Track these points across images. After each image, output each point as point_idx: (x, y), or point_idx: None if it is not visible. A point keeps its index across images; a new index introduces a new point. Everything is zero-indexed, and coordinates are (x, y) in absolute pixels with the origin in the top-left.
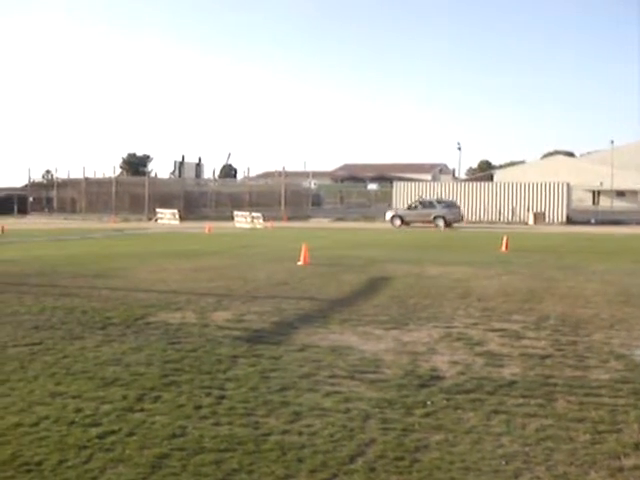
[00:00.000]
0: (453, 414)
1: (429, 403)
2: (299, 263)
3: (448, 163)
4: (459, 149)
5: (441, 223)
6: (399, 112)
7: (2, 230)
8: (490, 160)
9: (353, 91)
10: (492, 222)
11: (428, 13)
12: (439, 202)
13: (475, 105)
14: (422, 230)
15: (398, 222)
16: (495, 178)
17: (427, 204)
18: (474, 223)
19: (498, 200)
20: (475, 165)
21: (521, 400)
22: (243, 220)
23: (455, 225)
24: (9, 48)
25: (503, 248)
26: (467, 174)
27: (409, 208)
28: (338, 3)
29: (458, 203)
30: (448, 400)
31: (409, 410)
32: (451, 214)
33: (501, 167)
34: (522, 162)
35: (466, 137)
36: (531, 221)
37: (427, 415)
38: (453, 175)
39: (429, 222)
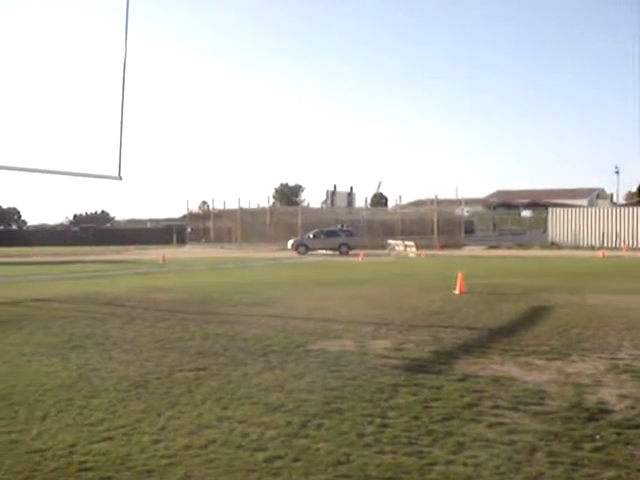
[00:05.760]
0: (624, 450)
1: (598, 437)
2: (455, 292)
3: (606, 188)
4: (617, 173)
5: (344, 250)
6: (553, 136)
7: (163, 259)
8: None
9: (506, 117)
10: None
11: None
12: (342, 231)
13: (633, 127)
14: (579, 258)
15: (303, 249)
16: None
17: (331, 233)
18: (635, 250)
19: None
20: (634, 189)
21: None
22: (396, 248)
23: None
24: (166, 86)
25: None
26: (626, 199)
27: (314, 237)
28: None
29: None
30: (618, 435)
31: (577, 444)
32: (353, 242)
33: None
34: None
35: (624, 160)
36: None
37: (597, 450)
38: (611, 200)
39: (333, 249)
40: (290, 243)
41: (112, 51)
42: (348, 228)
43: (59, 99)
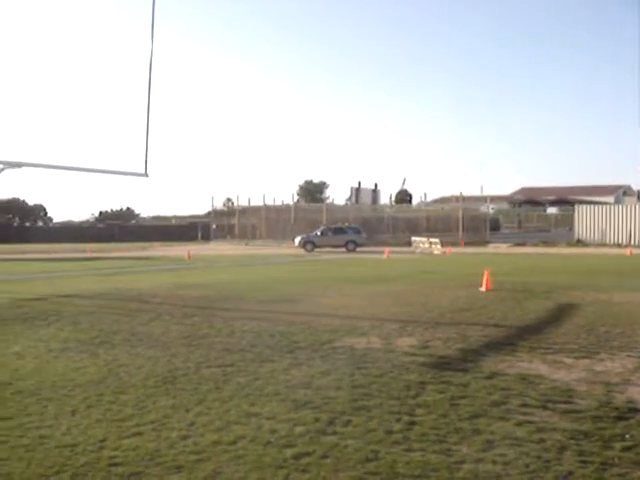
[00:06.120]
0: None
1: (628, 436)
2: (481, 289)
3: (632, 184)
4: None
5: (352, 247)
6: (579, 133)
7: (188, 256)
8: None
9: (532, 115)
10: None
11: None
12: (350, 228)
13: None
14: (606, 255)
15: (310, 246)
16: None
17: (338, 230)
18: None
19: None
20: None
21: None
22: (421, 245)
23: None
24: (194, 84)
25: None
26: None
27: (321, 234)
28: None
29: None
30: None
31: (607, 443)
32: (360, 239)
33: None
34: None
35: None
36: None
37: (627, 449)
38: (638, 197)
39: (341, 246)
40: (297, 240)
41: (138, 50)
42: (355, 225)
43: (86, 97)
